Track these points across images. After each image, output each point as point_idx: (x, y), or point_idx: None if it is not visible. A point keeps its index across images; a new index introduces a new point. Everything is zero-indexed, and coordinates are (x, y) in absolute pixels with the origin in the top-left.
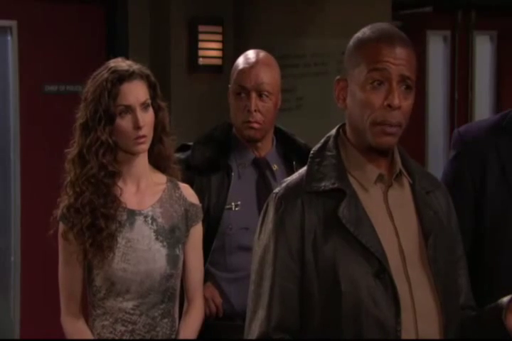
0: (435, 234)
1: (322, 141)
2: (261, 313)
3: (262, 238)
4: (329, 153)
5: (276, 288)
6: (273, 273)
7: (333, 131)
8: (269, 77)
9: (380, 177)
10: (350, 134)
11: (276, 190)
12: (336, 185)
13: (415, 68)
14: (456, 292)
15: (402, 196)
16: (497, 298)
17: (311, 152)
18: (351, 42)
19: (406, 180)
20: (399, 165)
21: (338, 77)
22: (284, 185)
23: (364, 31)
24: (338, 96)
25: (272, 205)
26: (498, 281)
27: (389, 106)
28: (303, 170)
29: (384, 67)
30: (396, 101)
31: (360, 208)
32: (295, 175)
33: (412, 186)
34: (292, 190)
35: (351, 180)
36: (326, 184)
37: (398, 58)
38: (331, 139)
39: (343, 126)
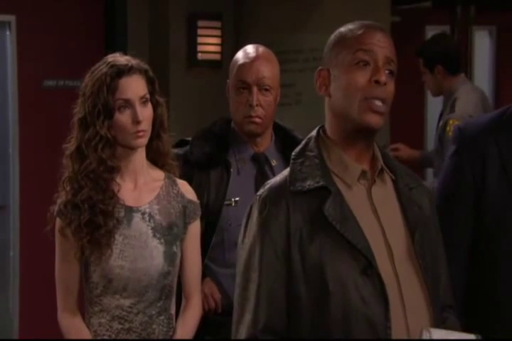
0: (421, 230)
1: (303, 142)
2: (248, 316)
3: (247, 241)
4: (311, 154)
5: (263, 290)
6: (259, 275)
7: (314, 133)
8: (270, 71)
9: (363, 174)
10: (331, 127)
11: (259, 192)
12: (320, 183)
13: (396, 58)
14: (439, 287)
15: (385, 192)
16: (496, 297)
17: (293, 154)
18: (332, 38)
19: (388, 177)
20: (380, 161)
21: (319, 68)
22: (267, 186)
23: (343, 28)
24: (320, 84)
25: (255, 208)
26: (498, 280)
27: (376, 82)
28: (285, 171)
29: (370, 49)
30: (383, 78)
31: (344, 206)
32: (278, 177)
33: (395, 182)
34: (276, 191)
35: (334, 178)
36: (310, 183)
37: (382, 41)
38: (312, 140)
39: (322, 127)
